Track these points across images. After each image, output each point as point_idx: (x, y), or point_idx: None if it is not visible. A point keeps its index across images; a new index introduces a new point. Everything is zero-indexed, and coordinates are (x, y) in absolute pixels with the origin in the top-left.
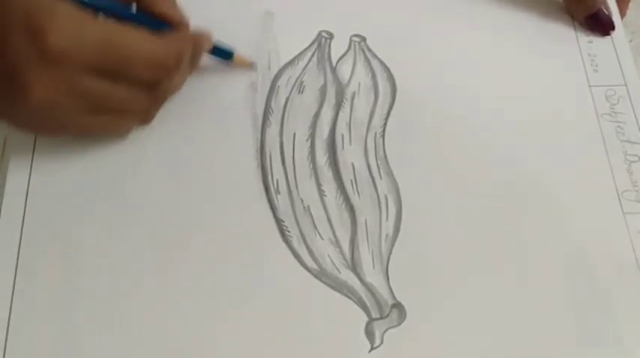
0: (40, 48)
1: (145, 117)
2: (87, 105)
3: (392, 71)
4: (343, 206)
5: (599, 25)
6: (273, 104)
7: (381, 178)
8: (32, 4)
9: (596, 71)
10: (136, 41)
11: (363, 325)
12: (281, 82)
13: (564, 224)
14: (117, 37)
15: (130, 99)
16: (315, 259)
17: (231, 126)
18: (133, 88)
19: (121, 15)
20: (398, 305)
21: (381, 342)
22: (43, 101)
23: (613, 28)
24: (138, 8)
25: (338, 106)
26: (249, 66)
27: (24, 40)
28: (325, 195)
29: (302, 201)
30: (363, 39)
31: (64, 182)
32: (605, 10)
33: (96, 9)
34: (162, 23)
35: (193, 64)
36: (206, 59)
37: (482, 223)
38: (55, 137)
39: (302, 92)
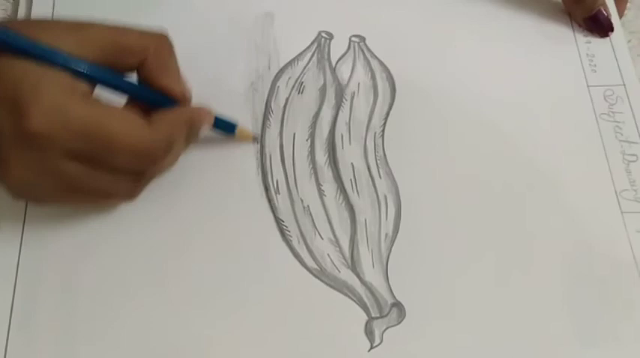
0: (19, 128)
1: (129, 197)
2: (65, 186)
3: (391, 71)
4: (343, 205)
5: (598, 26)
6: (272, 104)
7: (380, 178)
8: (19, 80)
9: (595, 71)
10: (122, 129)
11: (363, 324)
12: (281, 83)
13: (563, 223)
14: (101, 125)
15: (112, 184)
16: (314, 259)
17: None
18: (116, 175)
19: (119, 87)
20: (397, 304)
21: (381, 341)
22: (21, 181)
23: (612, 29)
24: (139, 79)
25: (337, 106)
26: (251, 139)
27: (6, 117)
28: (325, 195)
29: (302, 200)
30: (363, 39)
31: None
32: (604, 12)
33: (92, 80)
34: (163, 97)
35: (189, 141)
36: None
37: (481, 222)
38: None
39: (302, 92)
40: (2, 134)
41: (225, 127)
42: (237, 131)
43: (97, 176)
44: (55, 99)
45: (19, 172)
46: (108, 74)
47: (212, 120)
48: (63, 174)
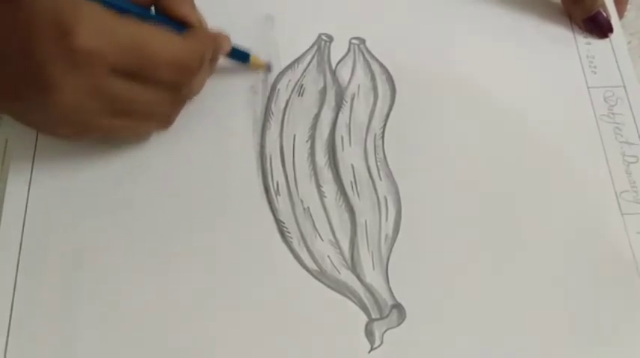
0: (67, 49)
1: (166, 121)
2: (111, 107)
3: (391, 73)
4: (343, 207)
5: (598, 27)
6: (273, 107)
7: (380, 179)
8: (59, 4)
9: (595, 72)
10: (162, 43)
11: (363, 325)
12: (281, 85)
13: (563, 225)
14: (143, 39)
15: (153, 102)
16: (315, 260)
17: (232, 129)
18: (157, 90)
19: (140, 17)
20: (397, 306)
21: (381, 343)
22: (69, 103)
23: (611, 30)
24: (156, 10)
25: (338, 108)
26: (265, 67)
27: (51, 41)
28: (325, 196)
29: (302, 202)
30: (363, 41)
31: (65, 183)
32: (603, 13)
33: (117, 10)
34: (181, 25)
35: (212, 66)
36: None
37: (481, 224)
38: (76, 141)
39: (302, 95)
40: (49, 60)
41: (240, 56)
42: (251, 59)
43: (141, 92)
44: (97, 18)
45: (69, 96)
46: (132, 5)
47: (230, 45)
48: (110, 91)
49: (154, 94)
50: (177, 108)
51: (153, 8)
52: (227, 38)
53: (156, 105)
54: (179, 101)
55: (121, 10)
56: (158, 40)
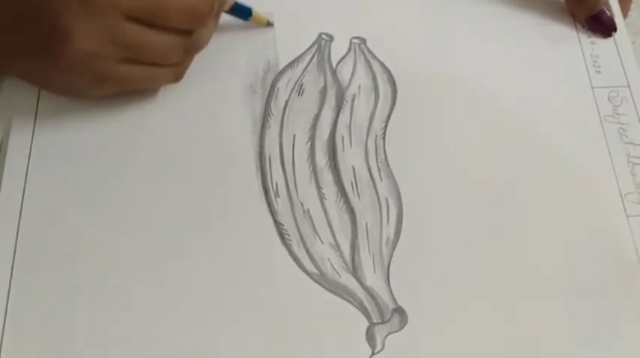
0: None
1: (178, 71)
2: (126, 54)
3: (392, 73)
4: (343, 209)
5: (601, 26)
6: (272, 106)
7: (381, 181)
8: None
9: (599, 72)
10: None
11: (364, 330)
12: (280, 84)
13: (567, 227)
14: None
15: (166, 48)
16: (315, 263)
17: (231, 128)
18: (170, 36)
19: None
20: (399, 310)
21: (383, 347)
22: (84, 51)
23: (615, 29)
24: None
25: (338, 108)
26: (266, 24)
27: None
28: (325, 198)
29: (302, 204)
30: (364, 41)
31: (62, 178)
32: (606, 12)
33: None
34: None
35: (218, 17)
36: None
37: (484, 226)
38: (88, 94)
39: (302, 94)
40: (63, 7)
41: (243, 12)
42: (253, 15)
43: (154, 38)
44: None
45: (83, 42)
46: None
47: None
48: (123, 38)
49: (167, 39)
50: (188, 57)
51: None
52: None
53: (169, 51)
54: (190, 48)
55: None
56: None
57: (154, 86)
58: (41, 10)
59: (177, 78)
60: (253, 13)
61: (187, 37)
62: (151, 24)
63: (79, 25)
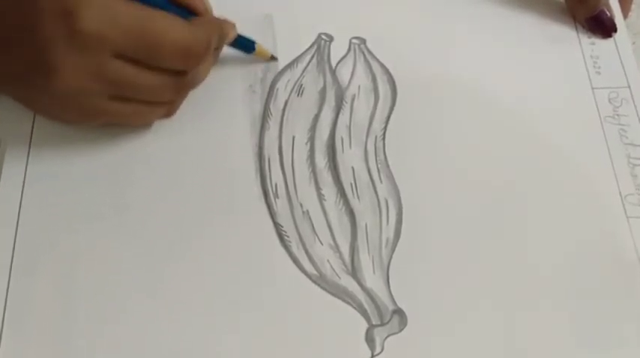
0: (70, 30)
1: (170, 108)
2: (114, 91)
3: (392, 73)
4: (343, 210)
5: (601, 26)
6: (271, 107)
7: (381, 182)
8: None
9: (599, 73)
10: (168, 27)
11: (364, 332)
12: (280, 85)
13: (567, 228)
14: (149, 22)
15: (157, 88)
16: (314, 264)
17: (229, 129)
18: (162, 76)
19: (147, 2)
20: (399, 312)
21: (382, 349)
22: (70, 86)
23: (615, 30)
24: None
25: (338, 109)
26: (270, 57)
27: (55, 23)
28: (325, 199)
29: (301, 205)
30: (363, 41)
31: (60, 186)
32: (607, 12)
33: None
34: (187, 11)
35: (217, 54)
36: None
37: (484, 227)
38: (79, 124)
39: (301, 95)
40: (51, 40)
41: (245, 45)
42: (256, 48)
43: (145, 77)
44: (102, 2)
45: (70, 78)
46: None
47: (236, 33)
48: (112, 75)
49: (159, 79)
50: (182, 95)
51: None
52: (233, 25)
53: (160, 90)
54: (184, 87)
55: None
56: (164, 25)
57: (144, 123)
58: (30, 40)
59: (168, 114)
60: (256, 47)
61: (181, 77)
62: (142, 62)
63: (65, 59)
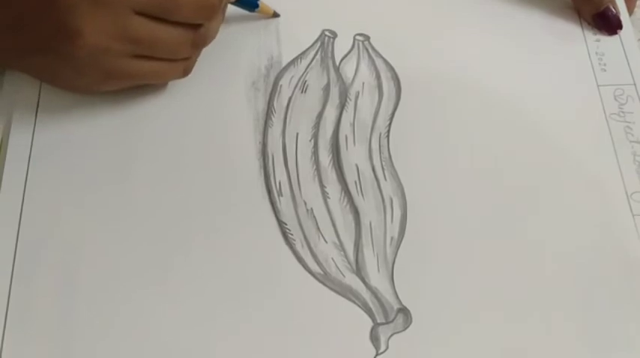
0: None
1: (186, 65)
2: (135, 50)
3: (396, 70)
4: (347, 208)
5: (607, 23)
6: (275, 104)
7: (385, 179)
8: None
9: (605, 70)
10: None
11: (368, 330)
12: (283, 82)
13: (573, 226)
14: None
15: (175, 42)
16: (318, 263)
17: (233, 126)
18: (179, 30)
19: None
20: (403, 310)
21: (387, 348)
22: (94, 46)
23: (620, 27)
24: None
25: (342, 106)
26: (273, 15)
27: None
28: (329, 197)
29: (305, 203)
30: (367, 38)
31: (63, 176)
32: (612, 9)
33: None
34: None
35: (225, 8)
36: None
37: (489, 225)
38: (99, 90)
39: (305, 92)
40: (76, 4)
41: (248, 3)
42: (260, 5)
43: (164, 33)
44: None
45: (93, 37)
46: None
47: None
48: (132, 33)
49: (177, 33)
50: (197, 51)
51: None
52: None
53: (178, 46)
54: (199, 42)
55: None
56: None
57: (163, 81)
58: (47, 7)
59: (185, 72)
60: (260, 4)
61: (196, 30)
62: (160, 18)
63: (89, 21)
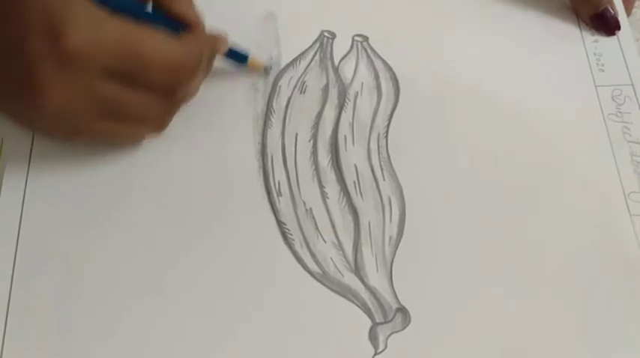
0: (58, 49)
1: (160, 125)
2: (102, 110)
3: (395, 71)
4: (346, 208)
5: (605, 24)
6: (274, 104)
7: (384, 180)
8: (51, 2)
9: (602, 71)
10: (156, 44)
11: (367, 329)
12: (283, 82)
13: (570, 226)
14: (136, 40)
15: (146, 106)
16: (317, 262)
17: (232, 127)
18: (150, 94)
19: (136, 14)
20: (402, 310)
21: (385, 347)
22: (59, 105)
23: (619, 27)
24: (154, 7)
25: (340, 107)
26: (263, 69)
27: (42, 41)
28: (328, 197)
29: (304, 203)
30: (366, 38)
31: (62, 184)
32: (611, 10)
33: (112, 8)
34: (179, 24)
35: (209, 67)
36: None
37: (487, 225)
38: (70, 142)
39: (304, 92)
40: (38, 59)
41: (238, 57)
42: (249, 60)
43: (133, 94)
44: (88, 20)
45: (58, 96)
46: (126, 3)
47: (227, 47)
48: (100, 94)
49: (147, 97)
50: (172, 112)
51: (150, 5)
52: (225, 39)
53: (149, 108)
54: (173, 104)
55: (116, 7)
56: (152, 42)
57: (134, 141)
58: (14, 60)
59: (158, 131)
60: (250, 58)
61: (170, 95)
62: (130, 81)
63: (52, 77)
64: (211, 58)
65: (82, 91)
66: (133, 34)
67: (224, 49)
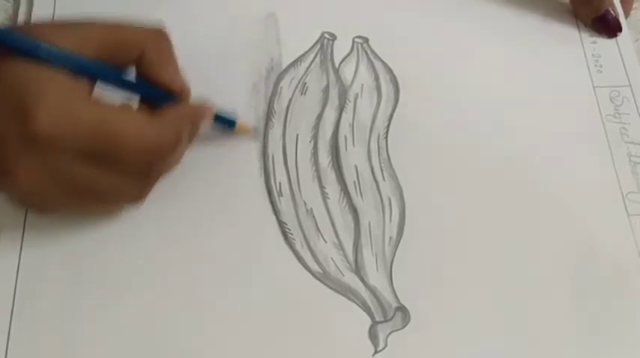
0: (25, 131)
1: (136, 199)
2: (75, 191)
3: (395, 72)
4: (346, 208)
5: (606, 27)
6: (275, 105)
7: (384, 180)
8: (20, 80)
9: (600, 72)
10: (131, 127)
11: (367, 328)
12: (283, 84)
13: (568, 226)
14: (109, 123)
15: (120, 186)
16: (318, 262)
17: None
18: (124, 174)
19: (118, 83)
20: (402, 308)
21: (385, 345)
22: (27, 187)
23: (620, 30)
24: (138, 75)
25: (341, 108)
26: (251, 133)
27: (10, 122)
28: (328, 198)
29: (305, 203)
30: (366, 40)
31: None
32: (612, 12)
33: (92, 76)
34: (162, 92)
35: (191, 138)
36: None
37: (486, 225)
38: (43, 216)
39: (305, 93)
40: (7, 141)
41: (225, 122)
42: (237, 125)
43: (106, 177)
44: (60, 100)
45: (28, 180)
46: (107, 71)
47: (212, 116)
48: (72, 177)
49: (122, 178)
50: (148, 188)
51: (132, 72)
52: (210, 108)
53: (124, 188)
54: (149, 183)
55: (96, 77)
56: (127, 125)
57: (110, 214)
58: None
59: (136, 204)
60: (237, 124)
61: (145, 176)
62: (102, 163)
63: (19, 161)
64: (194, 130)
65: (51, 174)
66: (106, 115)
67: (209, 119)
